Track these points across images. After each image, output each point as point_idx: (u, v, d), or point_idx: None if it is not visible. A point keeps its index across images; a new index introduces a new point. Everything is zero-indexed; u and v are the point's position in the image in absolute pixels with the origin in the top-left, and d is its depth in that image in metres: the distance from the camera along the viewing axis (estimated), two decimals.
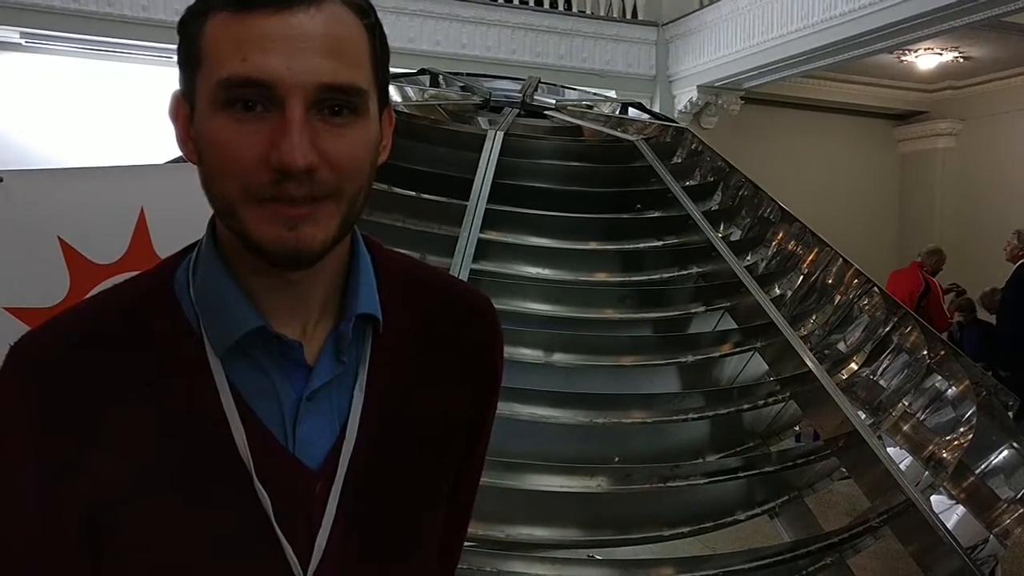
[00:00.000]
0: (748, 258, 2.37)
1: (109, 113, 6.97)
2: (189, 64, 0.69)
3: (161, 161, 1.99)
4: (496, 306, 2.04)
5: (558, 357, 1.92)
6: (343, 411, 0.74)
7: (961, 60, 8.56)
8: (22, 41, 6.85)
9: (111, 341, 0.72)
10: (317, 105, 0.67)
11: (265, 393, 0.72)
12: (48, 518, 0.70)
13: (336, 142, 0.67)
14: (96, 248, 1.65)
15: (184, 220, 1.66)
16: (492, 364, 0.87)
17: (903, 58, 8.41)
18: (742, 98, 8.60)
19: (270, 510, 0.71)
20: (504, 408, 1.78)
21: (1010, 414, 2.29)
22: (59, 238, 1.65)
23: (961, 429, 2.08)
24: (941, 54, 8.36)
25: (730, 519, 1.92)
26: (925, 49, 8.13)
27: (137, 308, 0.74)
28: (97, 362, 0.71)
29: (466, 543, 1.57)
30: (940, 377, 2.23)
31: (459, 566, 0.99)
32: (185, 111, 0.71)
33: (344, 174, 0.68)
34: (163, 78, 6.95)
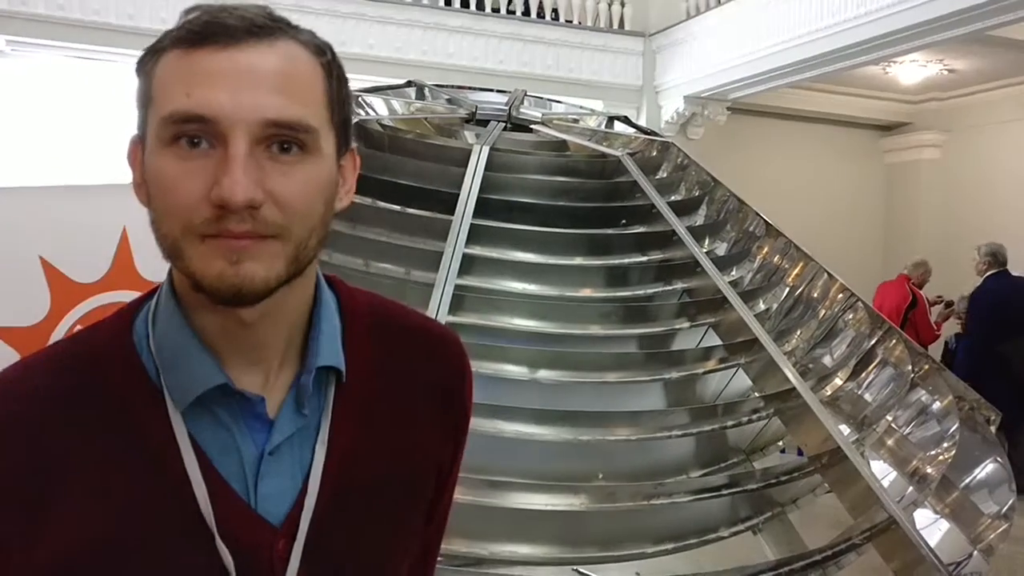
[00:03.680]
0: (733, 273, 2.38)
1: (95, 120, 6.93)
2: (143, 105, 0.69)
3: None
4: (481, 322, 2.06)
5: (543, 374, 1.92)
6: (306, 464, 0.73)
7: (945, 72, 8.64)
8: (7, 49, 6.81)
9: (67, 396, 0.70)
10: (264, 141, 0.65)
11: (226, 448, 0.71)
12: None
13: (283, 180, 0.66)
14: (78, 267, 1.64)
15: None
16: (462, 405, 0.86)
17: (888, 70, 8.48)
18: (729, 108, 8.65)
19: (232, 569, 0.69)
20: (488, 425, 1.77)
21: (992, 428, 2.31)
22: (40, 257, 1.64)
23: (945, 444, 2.09)
24: (925, 66, 8.44)
25: (714, 536, 1.92)
26: (910, 61, 8.20)
27: (94, 361, 0.72)
28: (52, 419, 0.69)
29: (449, 562, 1.58)
30: (924, 392, 2.24)
31: None
32: (140, 155, 0.70)
33: (292, 213, 0.67)
34: None
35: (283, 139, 0.66)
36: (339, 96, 0.72)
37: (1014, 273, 6.29)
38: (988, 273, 6.11)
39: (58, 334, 1.65)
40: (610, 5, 8.66)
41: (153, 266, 1.82)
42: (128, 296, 1.78)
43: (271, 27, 0.67)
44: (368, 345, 0.78)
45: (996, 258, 6.12)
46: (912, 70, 8.56)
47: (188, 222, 0.65)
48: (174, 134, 0.65)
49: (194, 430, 0.70)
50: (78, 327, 1.66)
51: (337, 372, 0.75)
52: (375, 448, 0.77)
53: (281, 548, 0.71)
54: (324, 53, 0.71)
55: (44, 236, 1.65)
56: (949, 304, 6.76)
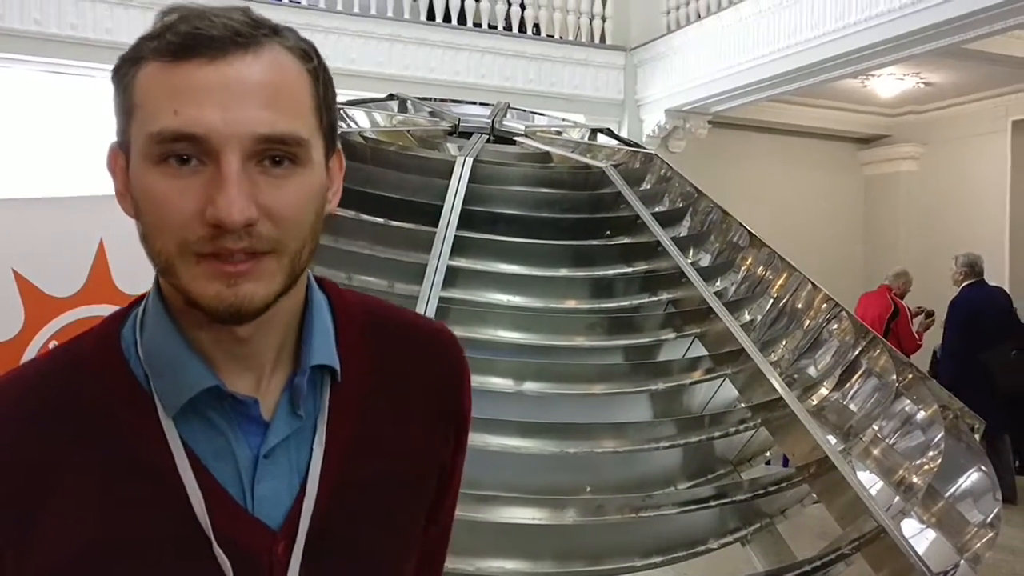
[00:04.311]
0: (717, 284, 2.38)
1: (72, 134, 6.87)
2: (123, 114, 0.67)
3: None
4: (466, 334, 2.05)
5: (528, 386, 1.91)
6: (303, 466, 0.72)
7: (922, 85, 8.75)
8: None
9: (55, 406, 0.69)
10: (255, 156, 0.64)
11: (220, 452, 0.70)
12: None
13: (276, 194, 0.65)
14: (53, 280, 1.60)
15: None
16: (460, 403, 0.85)
17: (866, 83, 8.57)
18: (709, 122, 8.69)
19: (231, 574, 0.68)
20: (475, 439, 1.74)
21: (976, 436, 2.31)
22: (13, 270, 1.60)
23: (930, 453, 2.09)
24: (902, 79, 8.54)
25: (702, 548, 1.90)
26: (888, 75, 8.30)
27: (82, 369, 0.71)
28: (40, 429, 0.68)
29: None
30: (909, 401, 2.25)
31: None
32: (122, 163, 0.69)
33: (286, 227, 0.66)
34: None
35: (274, 153, 0.66)
36: (326, 101, 0.71)
37: (990, 283, 6.37)
38: (965, 283, 6.17)
39: (32, 349, 1.62)
40: (591, 20, 8.70)
41: (131, 279, 1.80)
42: (106, 310, 1.75)
43: (255, 34, 0.66)
44: (362, 345, 0.78)
45: (973, 268, 6.19)
46: (889, 83, 8.66)
47: (183, 240, 0.64)
48: (163, 152, 0.64)
49: (187, 435, 0.69)
50: (53, 342, 1.62)
51: (332, 372, 0.74)
52: (373, 447, 0.76)
53: (280, 551, 0.70)
54: (310, 58, 0.70)
55: (17, 249, 1.60)
56: (930, 314, 6.80)
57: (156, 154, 0.64)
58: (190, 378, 0.69)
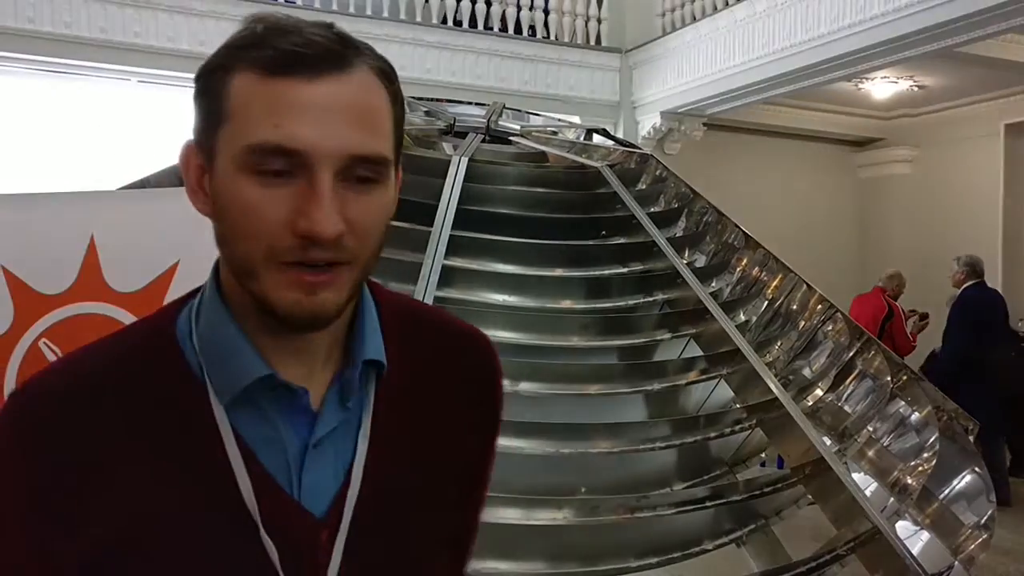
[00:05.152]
0: (713, 284, 2.38)
1: (63, 133, 6.83)
2: (210, 118, 0.69)
3: (114, 182, 1.94)
4: None
5: (524, 386, 1.90)
6: (348, 457, 0.74)
7: (916, 89, 8.77)
8: None
9: (111, 391, 0.71)
10: (343, 172, 0.67)
11: (270, 440, 0.72)
12: (47, 571, 0.69)
13: (360, 209, 0.68)
14: (43, 277, 1.59)
15: (137, 248, 1.61)
16: (493, 401, 0.88)
17: (860, 86, 8.59)
18: (705, 124, 8.70)
19: (276, 560, 0.70)
20: None
21: (970, 438, 2.31)
22: (2, 267, 1.59)
23: (925, 455, 2.09)
24: (896, 83, 8.56)
25: (697, 549, 1.89)
26: (881, 78, 8.32)
27: (138, 356, 0.74)
28: (97, 413, 0.70)
29: None
30: (903, 402, 2.25)
31: None
32: (198, 162, 0.71)
33: (364, 240, 0.69)
34: (118, 97, 6.86)
35: (360, 170, 0.68)
36: (400, 120, 0.74)
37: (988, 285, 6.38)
38: (967, 284, 6.18)
39: (22, 347, 1.60)
40: (587, 22, 8.69)
41: (123, 276, 1.78)
42: (97, 308, 1.74)
43: (346, 54, 0.68)
44: (404, 342, 0.80)
45: (974, 269, 6.20)
46: (883, 86, 8.67)
47: (270, 248, 0.67)
48: (258, 162, 0.66)
49: (238, 423, 0.71)
50: (43, 340, 1.61)
51: (377, 367, 0.76)
52: (415, 441, 0.79)
53: (325, 539, 0.72)
54: (391, 80, 0.72)
55: (6, 245, 1.59)
56: (924, 316, 6.81)
57: (251, 163, 0.66)
58: (244, 367, 0.71)
